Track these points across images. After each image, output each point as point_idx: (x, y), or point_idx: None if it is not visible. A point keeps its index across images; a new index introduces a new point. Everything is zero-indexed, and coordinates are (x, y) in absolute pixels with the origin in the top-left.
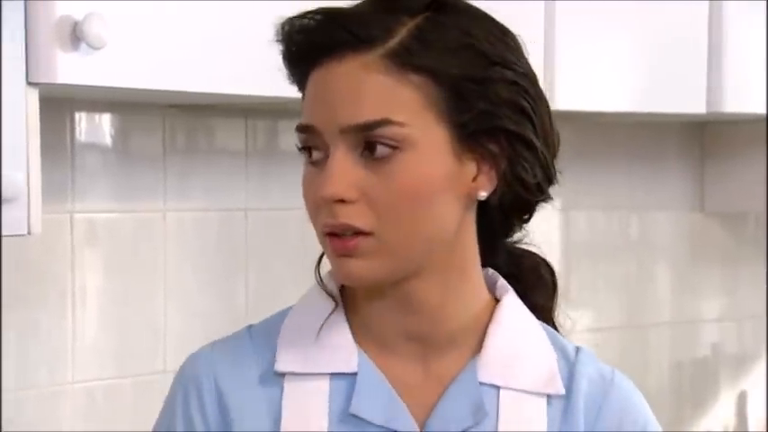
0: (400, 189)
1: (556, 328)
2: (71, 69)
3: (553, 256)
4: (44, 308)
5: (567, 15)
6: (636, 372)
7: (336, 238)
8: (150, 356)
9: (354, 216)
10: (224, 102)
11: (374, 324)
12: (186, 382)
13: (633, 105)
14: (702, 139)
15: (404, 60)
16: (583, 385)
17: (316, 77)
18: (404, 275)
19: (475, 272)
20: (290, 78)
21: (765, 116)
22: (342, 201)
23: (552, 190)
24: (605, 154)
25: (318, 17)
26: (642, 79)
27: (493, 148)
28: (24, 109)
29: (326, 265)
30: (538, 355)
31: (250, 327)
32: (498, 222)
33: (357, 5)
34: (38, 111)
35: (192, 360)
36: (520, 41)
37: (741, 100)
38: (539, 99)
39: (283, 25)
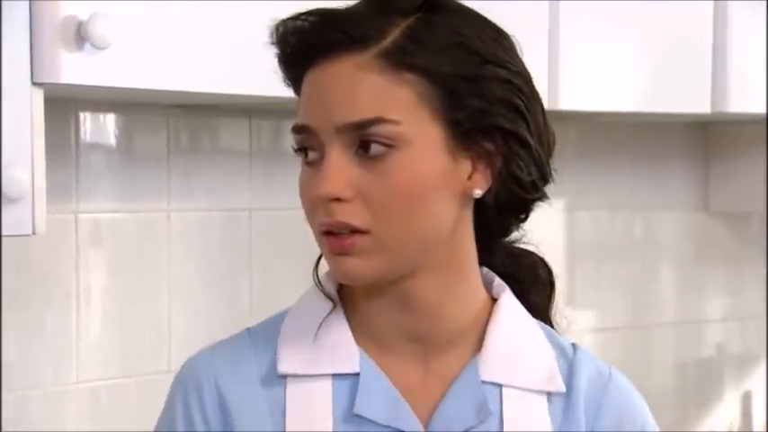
0: (395, 187)
1: (553, 327)
2: (75, 69)
3: (557, 257)
4: (48, 308)
5: (571, 15)
6: (640, 372)
7: (333, 236)
8: (154, 356)
9: (350, 214)
10: (228, 102)
11: (373, 324)
12: (186, 384)
13: (637, 105)
14: (707, 139)
15: (397, 60)
16: (582, 382)
17: (310, 78)
18: (401, 274)
19: (473, 271)
20: (285, 80)
21: None
22: (338, 199)
23: (548, 189)
24: (609, 154)
25: (312, 18)
26: (646, 79)
27: (488, 146)
28: (29, 109)
29: (324, 267)
30: (537, 353)
31: (249, 329)
32: (495, 222)
33: (351, 7)
34: (42, 111)
35: (192, 363)
36: (514, 41)
37: (745, 100)
38: (532, 98)
39: (277, 27)
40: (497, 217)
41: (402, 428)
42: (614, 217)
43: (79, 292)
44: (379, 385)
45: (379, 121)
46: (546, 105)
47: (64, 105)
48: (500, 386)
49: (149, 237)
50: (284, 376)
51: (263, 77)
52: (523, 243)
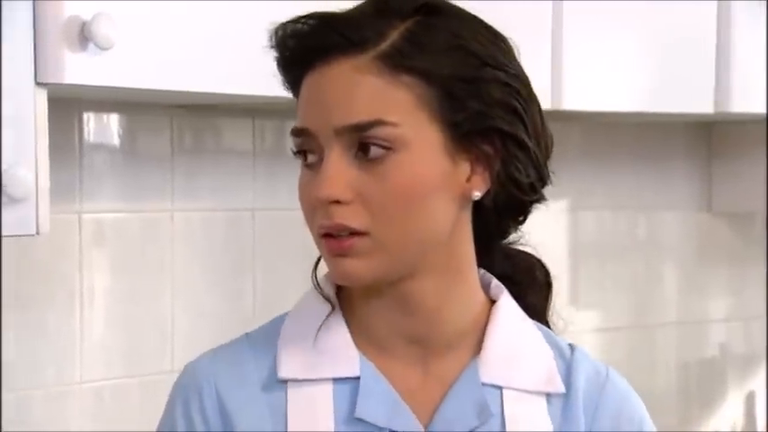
0: (394, 189)
1: (550, 328)
2: (79, 70)
3: (560, 257)
4: (52, 308)
5: (574, 15)
6: (643, 372)
7: (332, 238)
8: (158, 356)
9: (350, 216)
10: (231, 102)
11: (372, 327)
12: (187, 387)
13: (641, 105)
14: (710, 139)
15: (396, 62)
16: (581, 383)
17: (309, 81)
18: (400, 276)
19: (471, 273)
20: (284, 84)
21: None
22: (337, 202)
23: (551, 189)
24: (612, 154)
25: (311, 22)
26: (649, 79)
27: (486, 148)
28: (33, 109)
29: (322, 270)
30: (536, 354)
31: (247, 334)
32: (493, 224)
33: (350, 10)
34: (46, 111)
35: (192, 367)
36: (511, 44)
37: (748, 100)
38: (530, 100)
39: (276, 31)
40: (496, 219)
41: (403, 431)
42: (617, 217)
43: (83, 292)
44: (380, 388)
45: (378, 123)
46: (549, 105)
47: (67, 105)
48: (500, 388)
49: (153, 237)
50: (285, 381)
51: (267, 77)
52: (522, 244)
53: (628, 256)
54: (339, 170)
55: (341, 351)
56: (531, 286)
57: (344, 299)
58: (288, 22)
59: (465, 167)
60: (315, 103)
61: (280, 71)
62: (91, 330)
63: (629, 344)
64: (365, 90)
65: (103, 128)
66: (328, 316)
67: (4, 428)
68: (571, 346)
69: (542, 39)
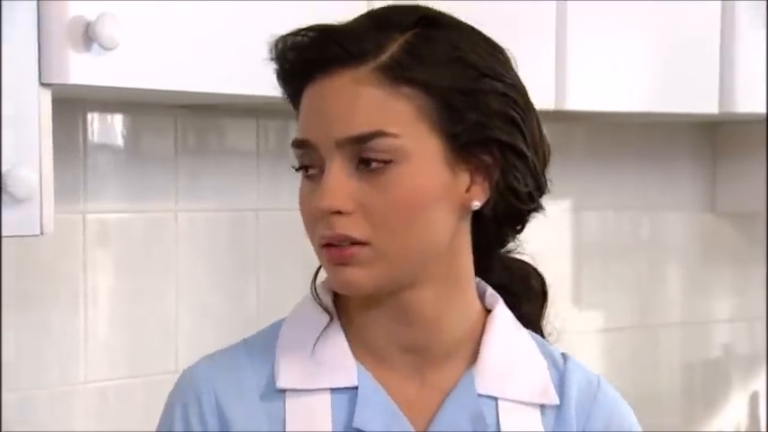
0: (395, 200)
1: (543, 337)
2: (83, 70)
3: (564, 256)
4: (56, 308)
5: (578, 15)
6: (646, 372)
7: (333, 247)
8: (162, 356)
9: (351, 227)
10: (235, 102)
11: (370, 336)
12: (185, 393)
13: (645, 105)
14: (714, 140)
15: (395, 74)
16: (573, 392)
17: (310, 93)
18: (399, 285)
19: (470, 283)
20: (284, 96)
21: None
22: (338, 212)
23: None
24: (617, 154)
25: (311, 34)
26: (654, 79)
27: (485, 158)
28: (37, 109)
29: (321, 278)
30: (531, 365)
31: (245, 340)
32: (492, 233)
33: (349, 22)
34: (50, 111)
35: (190, 373)
36: (509, 55)
37: (753, 100)
38: (528, 110)
39: (276, 43)
40: (495, 228)
41: None
42: (621, 217)
43: (87, 292)
44: (378, 398)
45: (379, 134)
46: (553, 105)
47: (72, 106)
48: (496, 399)
49: (157, 237)
50: (283, 390)
51: (271, 78)
52: (519, 253)
53: (631, 256)
54: (340, 181)
55: (339, 361)
56: (526, 295)
57: (341, 308)
58: (288, 34)
59: (464, 178)
60: (316, 114)
61: (280, 83)
62: (95, 330)
63: (632, 344)
64: (366, 102)
65: (107, 128)
66: (326, 326)
67: (9, 429)
68: (564, 356)
69: (546, 39)
